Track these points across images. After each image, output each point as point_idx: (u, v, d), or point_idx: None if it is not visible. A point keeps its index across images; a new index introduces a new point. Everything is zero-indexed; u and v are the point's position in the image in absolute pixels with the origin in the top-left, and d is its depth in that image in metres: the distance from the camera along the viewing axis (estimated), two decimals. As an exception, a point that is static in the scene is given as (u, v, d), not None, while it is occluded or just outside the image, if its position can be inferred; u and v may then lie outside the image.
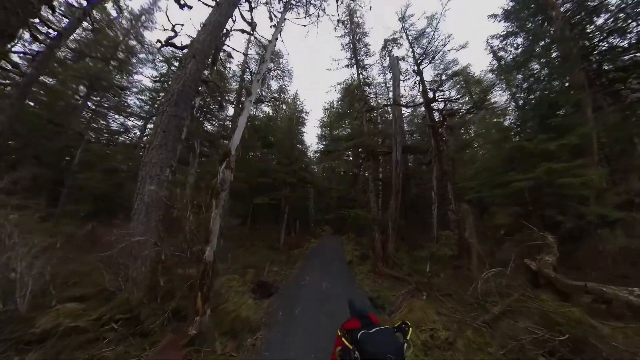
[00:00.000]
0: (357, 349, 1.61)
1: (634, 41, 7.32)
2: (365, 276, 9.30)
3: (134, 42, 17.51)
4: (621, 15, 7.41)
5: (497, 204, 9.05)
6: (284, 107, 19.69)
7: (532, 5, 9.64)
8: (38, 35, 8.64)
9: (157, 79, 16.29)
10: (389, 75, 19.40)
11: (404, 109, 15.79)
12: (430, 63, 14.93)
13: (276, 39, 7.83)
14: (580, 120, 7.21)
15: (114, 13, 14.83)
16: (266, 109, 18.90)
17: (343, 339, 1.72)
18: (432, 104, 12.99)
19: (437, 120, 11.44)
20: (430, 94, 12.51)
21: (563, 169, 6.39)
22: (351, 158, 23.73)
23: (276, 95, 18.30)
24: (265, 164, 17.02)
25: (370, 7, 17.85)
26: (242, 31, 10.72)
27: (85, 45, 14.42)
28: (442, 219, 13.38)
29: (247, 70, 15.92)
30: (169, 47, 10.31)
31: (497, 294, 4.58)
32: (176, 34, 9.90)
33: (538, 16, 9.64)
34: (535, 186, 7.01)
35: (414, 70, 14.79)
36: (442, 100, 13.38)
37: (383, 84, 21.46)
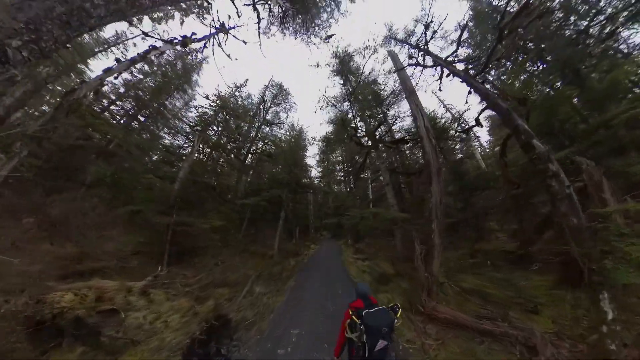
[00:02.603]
0: (361, 322, 2.19)
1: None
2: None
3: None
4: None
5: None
6: (293, 141, 22.05)
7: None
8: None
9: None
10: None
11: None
12: (431, 39, 11.69)
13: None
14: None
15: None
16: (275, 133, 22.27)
17: (352, 315, 2.28)
18: (453, 64, 9.37)
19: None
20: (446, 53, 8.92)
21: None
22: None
23: (281, 119, 22.06)
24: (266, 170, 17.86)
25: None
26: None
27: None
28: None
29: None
30: None
31: None
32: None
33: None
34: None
35: (417, 46, 11.40)
36: (461, 61, 10.00)
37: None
